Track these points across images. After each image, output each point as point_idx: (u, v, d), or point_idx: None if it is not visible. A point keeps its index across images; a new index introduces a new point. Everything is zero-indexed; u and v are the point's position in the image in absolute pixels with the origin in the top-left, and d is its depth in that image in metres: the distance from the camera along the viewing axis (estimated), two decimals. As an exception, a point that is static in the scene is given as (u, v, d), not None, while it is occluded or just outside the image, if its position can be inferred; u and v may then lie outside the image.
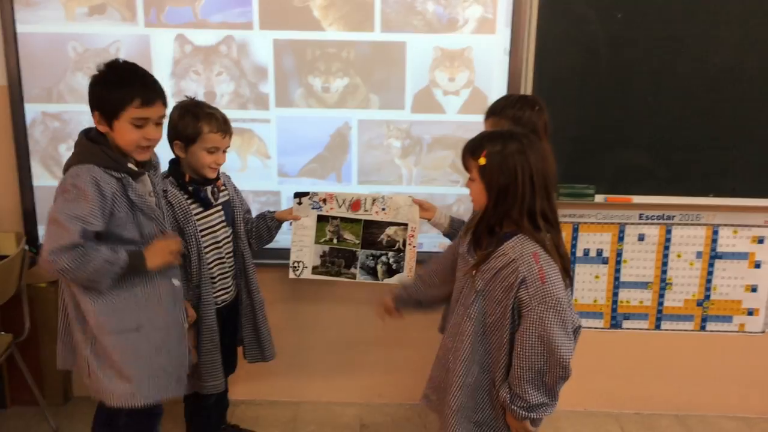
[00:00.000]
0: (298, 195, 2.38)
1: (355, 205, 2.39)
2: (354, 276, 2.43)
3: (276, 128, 2.60)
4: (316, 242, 2.41)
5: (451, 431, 1.80)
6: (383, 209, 2.38)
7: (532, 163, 1.67)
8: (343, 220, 2.39)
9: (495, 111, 2.11)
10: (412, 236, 2.37)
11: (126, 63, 1.92)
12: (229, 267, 2.33)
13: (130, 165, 1.89)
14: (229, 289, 2.34)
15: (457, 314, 1.82)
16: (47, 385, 2.76)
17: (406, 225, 2.37)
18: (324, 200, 2.39)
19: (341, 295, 2.79)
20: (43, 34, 2.50)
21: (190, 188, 2.21)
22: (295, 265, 2.42)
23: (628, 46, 2.52)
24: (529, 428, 1.75)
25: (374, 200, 2.38)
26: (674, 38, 2.51)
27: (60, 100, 2.55)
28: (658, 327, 2.86)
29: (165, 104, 1.93)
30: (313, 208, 2.39)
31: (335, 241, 2.41)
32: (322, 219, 2.40)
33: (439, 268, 2.04)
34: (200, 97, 2.47)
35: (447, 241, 2.38)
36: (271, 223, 2.39)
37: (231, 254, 2.33)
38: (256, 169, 2.63)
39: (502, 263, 1.70)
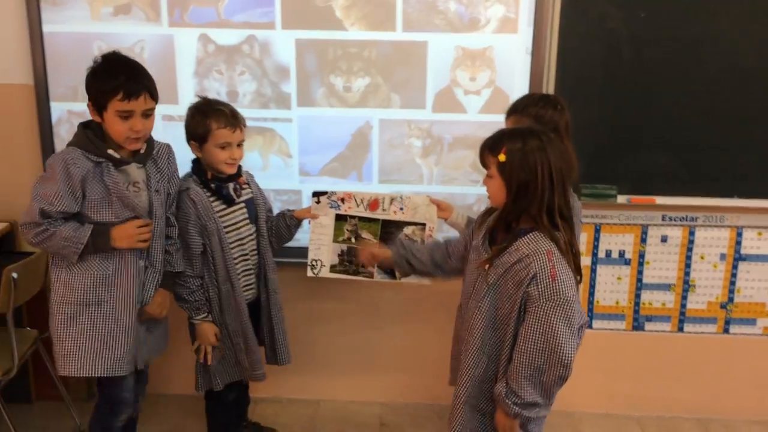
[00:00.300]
0: (317, 194, 2.39)
1: (374, 204, 2.39)
2: (371, 275, 2.43)
3: (297, 127, 2.62)
4: (335, 241, 2.42)
5: (458, 419, 1.84)
6: (401, 209, 2.38)
7: (551, 160, 1.69)
8: (362, 219, 2.40)
9: (517, 109, 2.12)
10: (430, 236, 2.37)
11: (118, 56, 2.02)
12: (253, 264, 2.35)
13: (110, 152, 1.98)
14: (251, 287, 2.36)
15: (470, 307, 1.85)
16: (72, 381, 2.79)
17: (424, 225, 2.37)
18: (342, 199, 2.39)
19: (361, 293, 2.80)
20: (68, 34, 2.54)
21: (213, 185, 2.23)
22: (314, 263, 2.43)
23: (651, 45, 2.49)
24: (516, 430, 1.76)
25: (392, 200, 2.38)
26: (699, 37, 2.48)
27: (85, 99, 2.56)
28: (680, 329, 2.83)
29: (153, 98, 2.00)
30: (331, 207, 2.39)
31: (353, 240, 2.42)
32: (340, 218, 2.40)
33: (446, 248, 2.09)
34: (222, 97, 2.51)
35: None
36: (290, 221, 2.40)
37: (255, 252, 2.35)
38: (277, 168, 2.64)
39: (515, 258, 1.73)
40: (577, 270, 1.75)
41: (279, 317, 2.42)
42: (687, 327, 2.83)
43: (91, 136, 1.98)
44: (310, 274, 2.44)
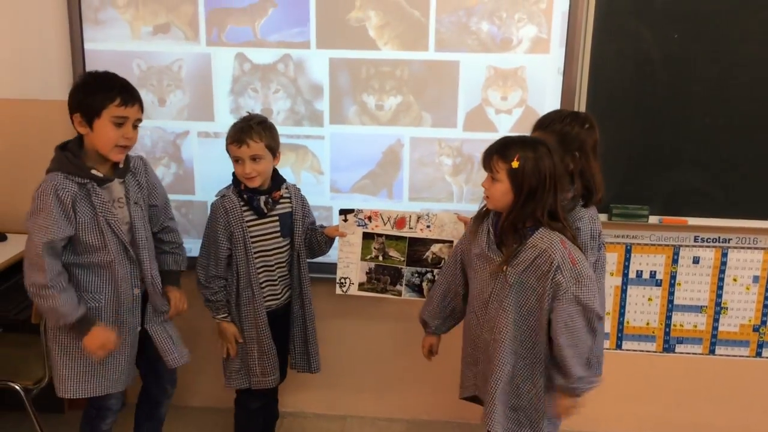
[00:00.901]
0: (344, 212, 2.42)
1: (400, 222, 2.40)
2: (399, 293, 2.45)
3: (329, 145, 2.65)
4: (362, 259, 2.44)
5: (492, 417, 1.95)
6: (428, 226, 2.39)
7: (556, 166, 1.87)
8: (389, 237, 2.41)
9: (543, 124, 2.14)
10: None
11: (107, 72, 2.09)
12: (279, 276, 2.39)
13: (94, 171, 2.02)
14: (277, 296, 2.40)
15: (491, 309, 1.96)
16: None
17: (451, 242, 2.38)
18: (369, 218, 2.41)
19: (389, 311, 2.81)
20: (109, 52, 2.61)
21: (245, 196, 2.29)
22: (342, 281, 2.46)
23: (684, 65, 2.49)
24: (578, 407, 1.92)
25: (419, 218, 2.39)
26: (732, 58, 2.47)
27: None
28: (712, 352, 2.80)
29: (142, 110, 2.09)
30: (358, 225, 2.42)
31: (381, 258, 2.43)
32: (367, 236, 2.42)
33: (445, 287, 2.20)
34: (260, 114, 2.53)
35: None
36: (320, 237, 2.44)
37: (282, 264, 2.39)
38: (309, 184, 2.67)
39: (534, 254, 1.87)
40: None
41: (312, 326, 2.47)
42: (719, 350, 2.80)
43: (71, 158, 2.01)
44: (339, 291, 2.46)
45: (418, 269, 2.43)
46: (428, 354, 2.30)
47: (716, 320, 2.77)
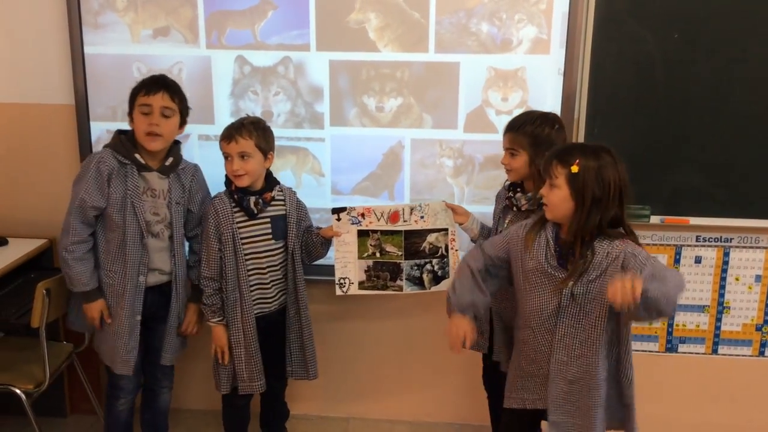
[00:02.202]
0: (336, 211, 2.41)
1: (394, 216, 2.40)
2: (401, 288, 2.45)
3: (330, 147, 2.65)
4: (359, 257, 2.43)
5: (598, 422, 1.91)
6: (422, 217, 2.40)
7: (620, 174, 1.81)
8: (384, 232, 2.41)
9: (514, 127, 2.19)
10: (453, 240, 2.39)
11: (157, 74, 2.31)
12: (271, 279, 2.38)
13: (137, 156, 2.22)
14: (268, 301, 2.40)
15: (562, 326, 1.89)
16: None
17: (446, 230, 2.38)
18: (362, 215, 2.41)
19: (390, 312, 2.81)
20: (109, 55, 2.60)
21: (236, 197, 2.31)
22: (342, 281, 2.45)
23: (684, 65, 2.49)
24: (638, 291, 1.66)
25: (412, 210, 2.40)
26: (732, 58, 2.47)
27: (124, 119, 2.59)
28: (715, 351, 2.80)
29: (172, 97, 2.24)
30: (352, 224, 2.41)
31: (378, 254, 2.43)
32: (362, 234, 2.42)
33: (476, 278, 2.04)
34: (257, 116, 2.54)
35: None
36: (316, 239, 2.43)
37: (275, 267, 2.38)
38: (310, 187, 2.67)
39: (602, 268, 1.81)
40: None
41: (309, 332, 2.45)
42: (721, 349, 2.79)
43: (123, 139, 2.25)
44: (339, 292, 2.46)
45: (417, 261, 2.43)
46: (460, 343, 2.01)
47: (719, 320, 2.76)
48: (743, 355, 2.79)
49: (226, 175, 2.35)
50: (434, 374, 2.90)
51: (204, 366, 2.69)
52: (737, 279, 2.71)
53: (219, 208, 2.31)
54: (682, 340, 2.79)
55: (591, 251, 1.82)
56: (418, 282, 2.44)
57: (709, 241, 2.69)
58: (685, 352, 2.80)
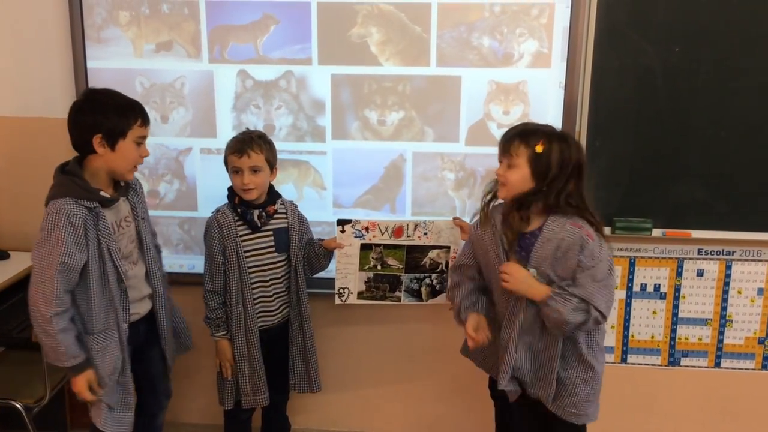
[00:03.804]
0: (341, 222, 2.42)
1: (398, 231, 2.41)
2: (399, 299, 2.48)
3: (332, 160, 2.65)
4: (361, 269, 2.44)
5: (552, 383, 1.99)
6: (425, 234, 2.41)
7: (581, 155, 1.89)
8: (386, 246, 2.42)
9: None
10: (455, 257, 2.39)
11: (107, 89, 2.07)
12: (274, 292, 2.39)
13: (103, 193, 1.98)
14: (271, 314, 2.40)
15: (529, 312, 1.97)
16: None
17: (448, 248, 2.39)
18: (366, 228, 2.42)
19: (392, 326, 2.80)
20: (112, 70, 2.61)
21: (239, 210, 2.31)
22: (341, 291, 2.47)
23: (685, 78, 2.49)
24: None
25: (416, 225, 2.41)
26: (733, 70, 2.48)
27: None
28: (717, 365, 2.79)
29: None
30: (356, 237, 2.42)
31: (379, 267, 2.44)
32: (365, 247, 2.43)
33: (469, 284, 2.17)
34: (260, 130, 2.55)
35: None
36: (318, 250, 2.44)
37: (278, 280, 2.39)
38: (311, 200, 2.68)
39: (552, 247, 1.89)
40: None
41: (311, 344, 2.46)
42: (724, 362, 2.78)
43: (78, 181, 1.95)
44: (338, 301, 2.47)
45: (417, 275, 2.45)
46: (478, 338, 2.07)
47: (721, 333, 2.76)
48: (746, 369, 2.78)
49: (229, 189, 2.35)
50: (436, 387, 2.89)
51: (204, 380, 2.69)
52: (739, 292, 2.71)
53: (222, 221, 2.31)
54: (685, 354, 2.78)
55: (527, 222, 1.91)
56: (416, 294, 2.47)
57: (711, 254, 2.68)
58: (687, 366, 2.79)
